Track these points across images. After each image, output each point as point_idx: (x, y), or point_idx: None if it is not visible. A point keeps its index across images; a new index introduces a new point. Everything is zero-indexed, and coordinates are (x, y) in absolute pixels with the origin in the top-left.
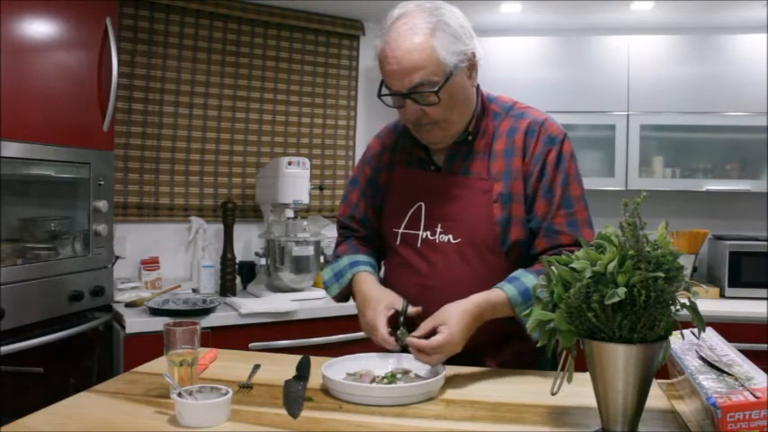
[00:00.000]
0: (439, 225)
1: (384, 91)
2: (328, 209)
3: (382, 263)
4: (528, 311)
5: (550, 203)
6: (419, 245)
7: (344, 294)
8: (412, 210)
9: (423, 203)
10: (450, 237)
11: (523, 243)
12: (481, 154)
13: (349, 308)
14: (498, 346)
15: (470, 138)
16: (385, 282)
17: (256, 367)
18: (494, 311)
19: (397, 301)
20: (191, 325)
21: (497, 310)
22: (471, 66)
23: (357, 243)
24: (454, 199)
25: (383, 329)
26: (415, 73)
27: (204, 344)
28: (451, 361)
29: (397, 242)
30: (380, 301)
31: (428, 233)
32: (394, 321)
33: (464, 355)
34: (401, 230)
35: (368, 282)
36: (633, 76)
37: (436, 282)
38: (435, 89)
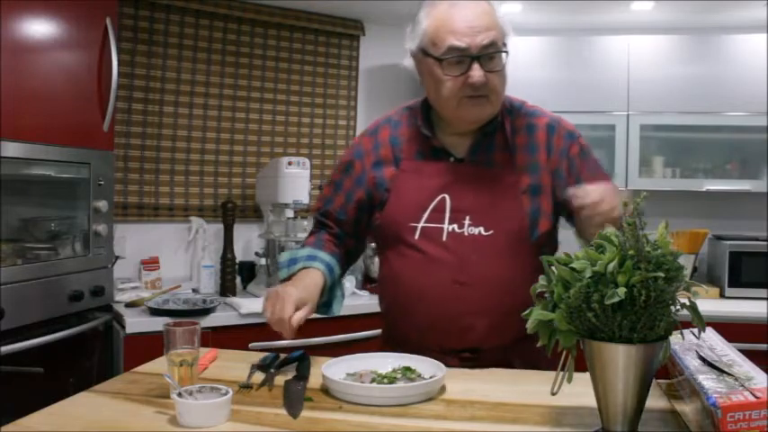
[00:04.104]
0: (467, 217)
1: (436, 53)
2: None
3: (364, 262)
4: None
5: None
6: (444, 238)
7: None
8: (434, 203)
9: (447, 195)
10: (482, 229)
11: (549, 234)
12: (500, 147)
13: (349, 308)
14: (527, 345)
15: (491, 130)
16: (395, 281)
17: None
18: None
19: (310, 304)
20: (191, 325)
21: None
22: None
23: (327, 239)
24: (482, 190)
25: (289, 309)
26: (487, 32)
27: (204, 344)
28: (480, 363)
29: (416, 237)
30: (301, 296)
31: (454, 226)
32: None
33: (493, 356)
34: (421, 224)
35: (308, 278)
36: (633, 76)
37: (470, 276)
38: (504, 50)
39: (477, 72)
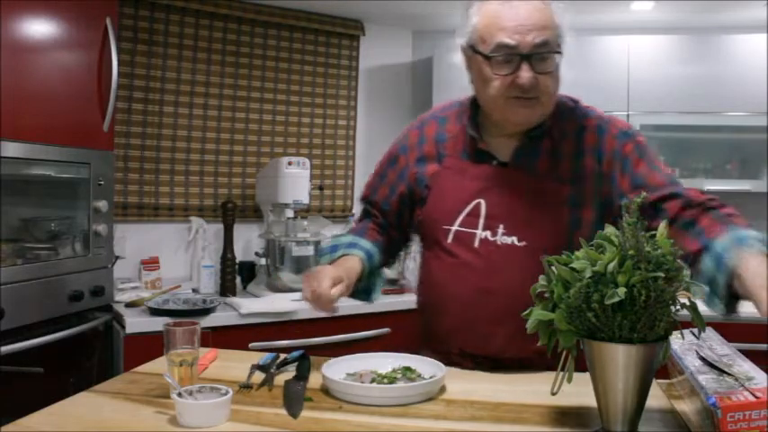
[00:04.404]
0: (501, 225)
1: (485, 50)
2: (328, 209)
3: (411, 257)
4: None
5: (647, 182)
6: (476, 244)
7: None
8: (469, 207)
9: (483, 201)
10: (515, 239)
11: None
12: (546, 153)
13: (349, 308)
14: (547, 363)
15: (539, 134)
16: (428, 281)
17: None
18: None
19: (346, 281)
20: (191, 325)
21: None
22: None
23: (371, 227)
24: (521, 199)
25: (326, 284)
26: (541, 31)
27: (204, 344)
28: (498, 367)
29: (449, 240)
30: (337, 273)
31: (488, 233)
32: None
33: (515, 364)
34: (455, 228)
35: (347, 263)
36: (633, 76)
37: (497, 285)
38: (557, 51)
39: (525, 73)
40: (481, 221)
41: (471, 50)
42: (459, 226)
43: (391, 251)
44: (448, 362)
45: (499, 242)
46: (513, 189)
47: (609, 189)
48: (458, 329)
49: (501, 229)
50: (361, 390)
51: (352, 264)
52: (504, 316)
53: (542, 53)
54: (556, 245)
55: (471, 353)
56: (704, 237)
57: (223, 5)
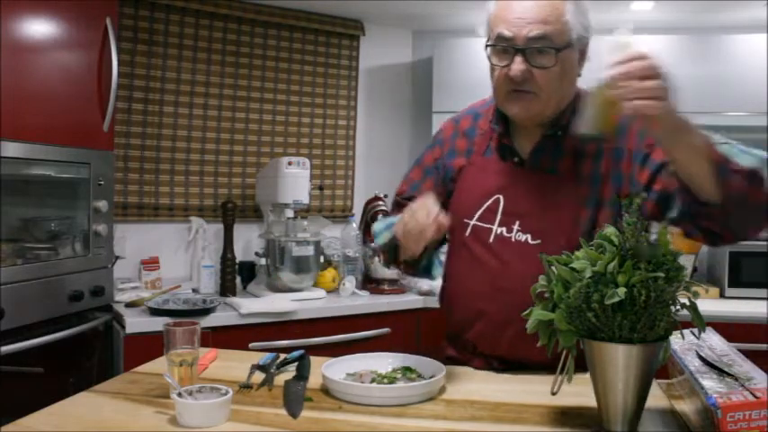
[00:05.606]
0: (517, 222)
1: (488, 40)
2: (328, 209)
3: (444, 251)
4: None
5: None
6: (491, 240)
7: (392, 244)
8: (488, 203)
9: (501, 196)
10: (529, 237)
11: None
12: (568, 154)
13: (349, 308)
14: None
15: (560, 132)
16: (448, 276)
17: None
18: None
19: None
20: (191, 325)
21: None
22: (583, 53)
23: None
24: (537, 197)
25: (434, 208)
26: (539, 24)
27: (204, 344)
28: (510, 368)
29: (467, 234)
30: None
31: (503, 229)
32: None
33: (519, 364)
34: (473, 222)
35: None
36: None
37: (508, 283)
38: (556, 47)
39: (516, 65)
40: (498, 217)
41: (485, 41)
42: (477, 221)
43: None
44: (462, 355)
45: (513, 239)
46: (530, 187)
47: (628, 189)
48: (469, 326)
49: (517, 226)
50: (361, 390)
51: None
52: (513, 313)
53: (537, 47)
54: (570, 244)
55: (483, 352)
56: None
57: (223, 5)
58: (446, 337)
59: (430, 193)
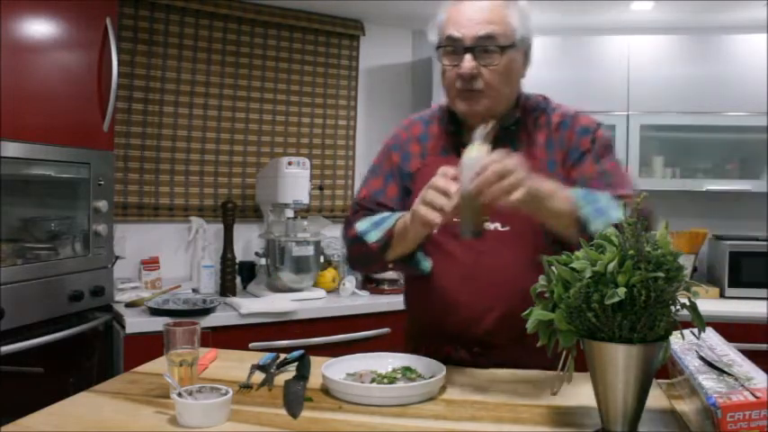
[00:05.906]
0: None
1: (438, 42)
2: (328, 209)
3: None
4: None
5: (588, 182)
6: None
7: (387, 239)
8: None
9: None
10: (498, 225)
11: None
12: (523, 144)
13: (349, 308)
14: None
15: (513, 127)
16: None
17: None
18: (553, 188)
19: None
20: (191, 325)
21: (557, 191)
22: (526, 54)
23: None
24: None
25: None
26: (485, 24)
27: (204, 344)
28: (490, 359)
29: (434, 230)
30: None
31: None
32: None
33: (503, 354)
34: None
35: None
36: (633, 76)
37: (482, 270)
38: (502, 45)
39: (465, 63)
40: None
41: (435, 45)
42: None
43: None
44: (436, 352)
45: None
46: None
47: (563, 179)
48: (444, 318)
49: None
50: (361, 390)
51: None
52: (490, 299)
53: (484, 46)
54: (537, 228)
55: (462, 341)
56: None
57: (223, 5)
58: (415, 335)
59: (446, 167)
